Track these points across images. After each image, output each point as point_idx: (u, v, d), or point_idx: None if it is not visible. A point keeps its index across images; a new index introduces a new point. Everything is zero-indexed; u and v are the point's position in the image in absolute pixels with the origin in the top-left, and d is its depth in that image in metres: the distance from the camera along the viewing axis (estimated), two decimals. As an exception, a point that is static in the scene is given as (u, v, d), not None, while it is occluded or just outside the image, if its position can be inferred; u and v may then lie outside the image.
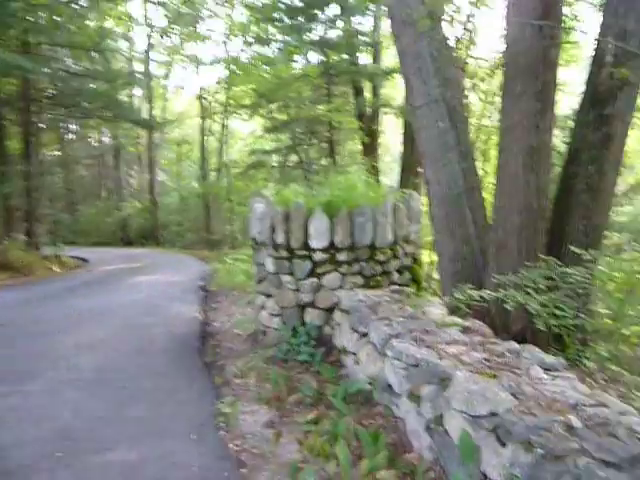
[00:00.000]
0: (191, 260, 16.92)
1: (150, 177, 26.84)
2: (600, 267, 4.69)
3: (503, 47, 5.21)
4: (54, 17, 14.85)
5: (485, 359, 3.21)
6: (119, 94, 20.25)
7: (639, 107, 5.87)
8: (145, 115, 24.64)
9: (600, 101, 4.77)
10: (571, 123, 5.56)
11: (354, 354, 4.56)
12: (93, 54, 18.60)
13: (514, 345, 3.50)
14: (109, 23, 20.88)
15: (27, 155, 15.11)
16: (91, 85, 17.88)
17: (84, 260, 16.79)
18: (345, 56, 16.66)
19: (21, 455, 3.43)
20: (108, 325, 7.05)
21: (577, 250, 4.42)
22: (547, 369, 3.08)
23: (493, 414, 2.54)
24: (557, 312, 4.09)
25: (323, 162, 19.24)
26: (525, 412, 2.45)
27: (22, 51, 14.58)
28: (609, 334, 4.79)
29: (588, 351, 4.56)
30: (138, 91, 27.59)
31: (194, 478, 3.16)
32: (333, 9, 15.91)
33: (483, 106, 12.42)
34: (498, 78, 8.06)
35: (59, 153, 28.94)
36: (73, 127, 28.05)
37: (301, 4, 15.60)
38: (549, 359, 3.22)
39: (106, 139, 30.28)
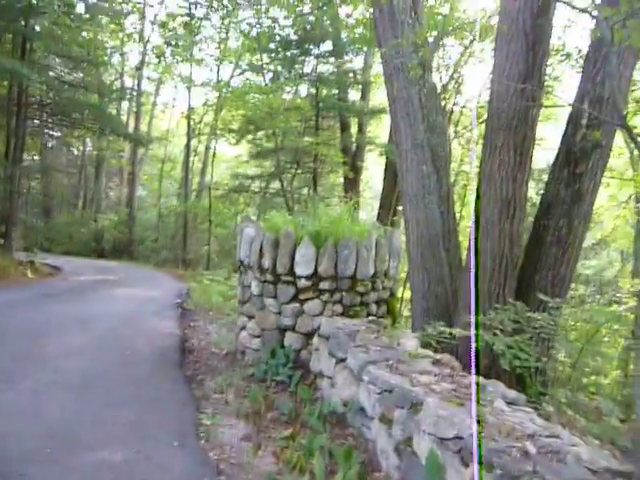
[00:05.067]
0: (166, 277, 16.94)
1: (129, 191, 26.82)
2: (564, 316, 5.00)
3: (487, 99, 5.57)
4: (52, 25, 15.12)
5: (453, 389, 3.51)
6: (109, 107, 20.44)
7: (609, 167, 6.26)
8: (131, 130, 24.75)
9: (573, 160, 5.14)
10: (545, 177, 5.92)
11: (330, 378, 4.80)
12: (86, 65, 18.85)
13: (480, 379, 3.81)
14: (105, 36, 21.15)
15: (14, 159, 15.11)
16: (82, 96, 18.05)
17: (57, 268, 16.64)
18: (335, 91, 17.23)
19: (14, 448, 3.59)
20: (90, 333, 7.16)
21: (544, 297, 4.70)
22: (509, 402, 3.39)
23: (459, 437, 2.82)
24: (521, 354, 4.38)
25: (304, 191, 19.66)
26: (487, 438, 2.74)
27: (18, 57, 14.73)
28: (567, 380, 5.09)
29: (547, 394, 4.84)
30: (125, 104, 27.70)
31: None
32: (327, 45, 16.55)
33: (463, 153, 13.02)
34: (479, 128, 8.51)
35: (37, 158, 28.76)
36: (56, 134, 27.92)
37: (295, 37, 16.20)
38: (511, 394, 3.54)
39: (88, 149, 30.18)
